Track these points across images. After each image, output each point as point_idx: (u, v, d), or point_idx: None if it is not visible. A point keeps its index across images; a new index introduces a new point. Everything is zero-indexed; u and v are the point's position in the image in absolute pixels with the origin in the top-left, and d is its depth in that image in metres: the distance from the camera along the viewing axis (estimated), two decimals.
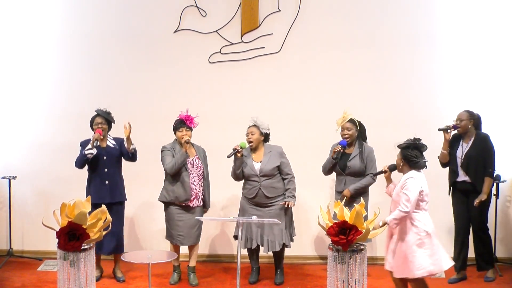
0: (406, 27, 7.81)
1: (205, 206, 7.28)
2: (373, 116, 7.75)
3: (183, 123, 7.09)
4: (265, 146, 7.16)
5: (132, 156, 7.20)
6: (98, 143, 7.15)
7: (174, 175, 7.08)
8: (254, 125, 7.10)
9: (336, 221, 5.73)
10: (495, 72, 7.76)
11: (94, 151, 7.06)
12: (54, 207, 5.97)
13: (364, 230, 5.59)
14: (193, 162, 7.15)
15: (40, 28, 8.09)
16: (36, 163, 8.16)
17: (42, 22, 8.08)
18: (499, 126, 7.57)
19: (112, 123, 7.28)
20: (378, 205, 6.35)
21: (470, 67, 7.79)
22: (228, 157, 6.96)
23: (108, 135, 7.27)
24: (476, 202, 7.01)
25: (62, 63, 8.13)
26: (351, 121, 7.12)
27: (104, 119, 7.19)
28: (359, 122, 7.17)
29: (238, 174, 7.08)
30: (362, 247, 5.67)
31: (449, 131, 7.08)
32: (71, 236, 5.60)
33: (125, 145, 7.13)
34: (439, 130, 7.09)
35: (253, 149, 7.13)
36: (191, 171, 7.13)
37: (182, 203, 7.10)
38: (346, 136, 7.11)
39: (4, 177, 7.97)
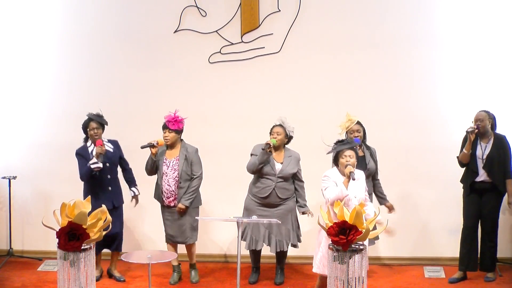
0: (406, 27, 7.80)
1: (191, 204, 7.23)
2: (374, 116, 7.75)
3: (165, 126, 7.12)
4: (285, 149, 7.17)
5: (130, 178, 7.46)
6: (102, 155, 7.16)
7: (156, 176, 7.24)
8: (281, 126, 7.10)
9: (336, 221, 5.74)
10: (496, 71, 7.76)
11: (101, 165, 7.07)
12: (54, 207, 5.96)
13: (364, 230, 5.59)
14: (169, 164, 7.16)
15: (40, 28, 8.08)
16: (36, 163, 8.16)
17: (42, 22, 8.08)
18: (499, 126, 7.56)
19: (105, 125, 7.26)
20: (378, 204, 6.35)
21: (470, 67, 7.79)
22: (263, 149, 6.97)
23: (103, 139, 7.24)
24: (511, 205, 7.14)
25: (62, 63, 8.13)
26: (358, 123, 7.13)
27: (98, 123, 7.17)
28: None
29: (259, 169, 7.07)
30: (362, 247, 5.67)
31: (473, 132, 7.08)
32: (71, 236, 5.60)
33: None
34: (467, 132, 7.09)
35: (274, 149, 7.12)
36: (165, 172, 7.16)
37: (164, 204, 7.22)
38: (358, 137, 7.10)
39: (4, 177, 7.97)
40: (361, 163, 6.91)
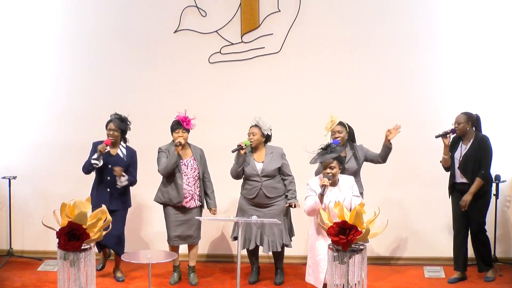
0: (406, 27, 7.81)
1: (208, 206, 7.27)
2: (373, 116, 7.75)
3: (179, 125, 7.08)
4: (266, 147, 7.17)
5: (130, 185, 7.26)
6: (108, 150, 7.09)
7: (168, 177, 7.10)
8: (256, 126, 7.10)
9: (336, 221, 5.74)
10: (495, 72, 7.76)
11: (100, 163, 7.02)
12: (54, 207, 5.97)
13: (364, 230, 5.60)
14: (188, 164, 7.15)
15: (40, 28, 8.09)
16: (36, 163, 8.16)
17: (42, 22, 8.08)
18: (498, 126, 7.57)
19: (128, 130, 7.25)
20: (378, 204, 6.35)
21: (470, 67, 7.79)
22: (233, 152, 6.97)
23: (121, 144, 7.24)
24: (462, 205, 7.00)
25: (62, 63, 8.13)
26: (341, 123, 7.09)
27: (117, 126, 7.15)
28: (348, 124, 7.15)
29: (239, 172, 7.09)
30: (362, 247, 5.67)
31: (448, 136, 7.05)
32: (71, 236, 5.60)
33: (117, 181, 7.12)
34: (436, 137, 7.06)
35: (254, 149, 7.14)
36: (185, 172, 7.13)
37: (177, 205, 7.12)
38: (339, 138, 7.09)
39: (4, 177, 7.97)
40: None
